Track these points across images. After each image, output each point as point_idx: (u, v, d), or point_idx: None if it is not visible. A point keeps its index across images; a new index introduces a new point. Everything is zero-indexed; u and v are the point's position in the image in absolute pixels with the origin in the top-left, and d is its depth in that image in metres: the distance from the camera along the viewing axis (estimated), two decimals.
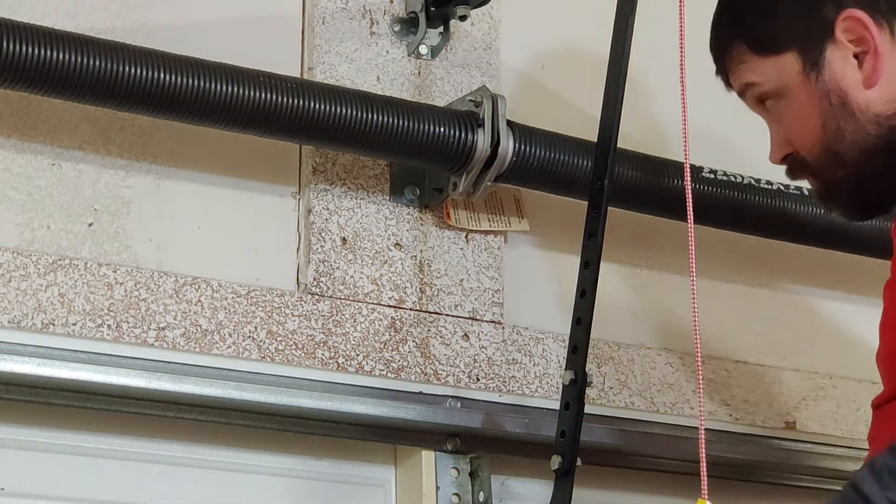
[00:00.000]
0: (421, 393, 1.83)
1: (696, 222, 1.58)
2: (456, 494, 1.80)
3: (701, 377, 1.56)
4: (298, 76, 1.89)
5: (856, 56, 1.54)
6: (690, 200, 1.60)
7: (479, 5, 1.93)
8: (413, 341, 1.85)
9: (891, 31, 1.54)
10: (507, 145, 1.82)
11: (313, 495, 1.81)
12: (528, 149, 1.84)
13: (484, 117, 1.81)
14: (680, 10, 1.64)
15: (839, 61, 1.54)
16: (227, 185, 1.84)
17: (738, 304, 2.15)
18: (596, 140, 1.79)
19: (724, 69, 1.62)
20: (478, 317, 1.91)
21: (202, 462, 1.75)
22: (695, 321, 1.55)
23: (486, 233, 1.95)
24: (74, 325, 1.67)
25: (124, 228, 1.77)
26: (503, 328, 1.92)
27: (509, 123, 1.83)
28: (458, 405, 1.83)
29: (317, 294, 1.82)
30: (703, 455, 1.48)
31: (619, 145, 1.78)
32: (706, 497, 1.45)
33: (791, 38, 1.56)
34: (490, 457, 1.84)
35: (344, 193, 1.88)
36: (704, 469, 1.47)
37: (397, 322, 1.85)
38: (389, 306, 1.85)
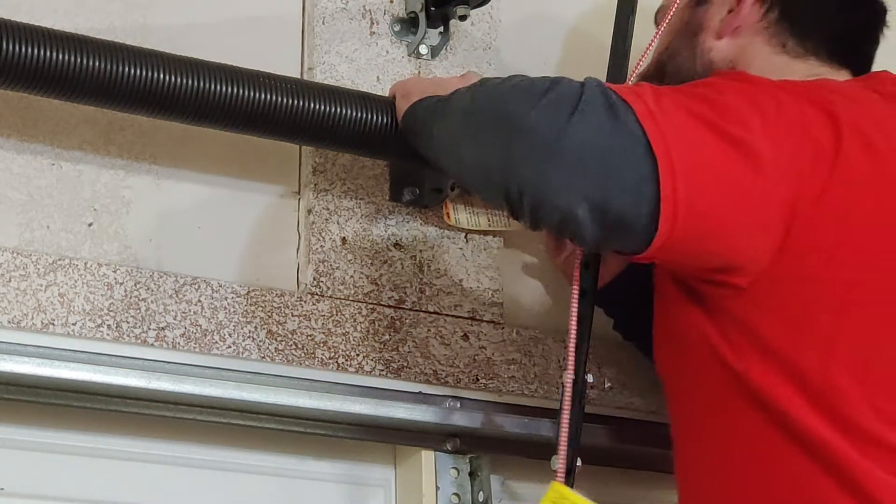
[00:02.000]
0: (421, 393, 1.83)
1: None
2: (456, 494, 1.80)
3: None
4: (298, 76, 1.89)
5: (730, 10, 1.69)
6: None
7: (479, 5, 1.93)
8: (413, 341, 1.85)
9: (766, 11, 1.67)
10: None
11: (313, 495, 1.81)
12: None
13: None
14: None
15: (718, 6, 1.70)
16: (227, 185, 1.84)
17: None
18: None
19: None
20: (477, 317, 1.91)
21: (202, 462, 1.75)
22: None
23: (486, 233, 1.95)
24: (74, 325, 1.67)
25: (124, 228, 1.77)
26: (503, 328, 1.92)
27: None
28: (458, 405, 1.83)
29: (317, 294, 1.82)
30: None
31: None
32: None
33: None
34: (490, 457, 1.84)
35: (344, 193, 1.88)
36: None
37: (397, 322, 1.85)
38: (389, 306, 1.85)
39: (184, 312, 1.73)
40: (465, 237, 1.94)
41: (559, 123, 1.37)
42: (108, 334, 1.68)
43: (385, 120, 1.75)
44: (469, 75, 1.75)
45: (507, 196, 1.44)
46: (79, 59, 1.58)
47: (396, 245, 1.89)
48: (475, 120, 1.49)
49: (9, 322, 1.64)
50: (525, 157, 1.39)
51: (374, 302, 1.85)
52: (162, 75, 1.62)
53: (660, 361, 1.64)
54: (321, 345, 1.79)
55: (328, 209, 1.86)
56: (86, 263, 1.70)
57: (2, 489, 1.65)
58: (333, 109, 1.72)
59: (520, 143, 1.40)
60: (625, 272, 1.83)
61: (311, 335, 1.79)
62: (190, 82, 1.64)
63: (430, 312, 1.88)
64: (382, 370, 1.82)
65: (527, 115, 1.39)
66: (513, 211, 1.46)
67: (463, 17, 1.94)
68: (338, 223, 1.87)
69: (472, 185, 1.61)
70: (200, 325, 1.74)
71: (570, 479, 1.64)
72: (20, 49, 1.55)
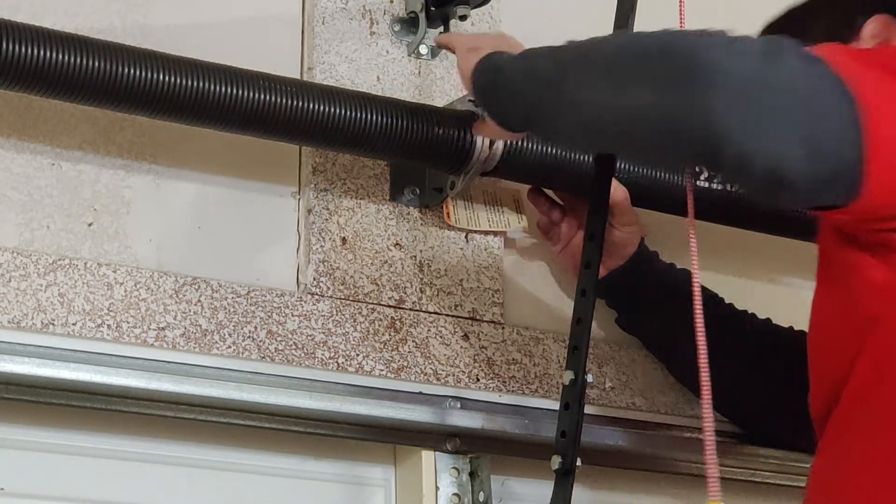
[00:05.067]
0: (421, 393, 1.83)
1: (698, 218, 1.58)
2: (456, 495, 1.80)
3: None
4: (298, 76, 1.89)
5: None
6: (691, 198, 1.59)
7: (479, 5, 1.94)
8: (413, 341, 1.85)
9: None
10: (498, 145, 1.82)
11: (313, 495, 1.81)
12: (526, 145, 1.84)
13: (483, 117, 1.81)
14: (680, 10, 1.65)
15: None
16: (227, 185, 1.84)
17: (742, 300, 2.14)
18: None
19: None
20: (478, 317, 1.91)
21: (202, 462, 1.75)
22: (697, 320, 1.54)
23: (486, 233, 1.95)
24: (74, 325, 1.67)
25: (124, 228, 1.77)
26: (503, 328, 1.92)
27: None
28: (458, 405, 1.83)
29: (317, 294, 1.82)
30: (712, 456, 1.43)
31: None
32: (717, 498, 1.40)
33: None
34: (490, 457, 1.84)
35: (344, 193, 1.88)
36: (716, 471, 1.42)
37: (397, 322, 1.85)
38: (389, 306, 1.85)
39: (184, 312, 1.73)
40: (465, 237, 1.94)
41: (760, 67, 1.33)
42: (108, 334, 1.68)
43: (385, 120, 1.75)
44: (504, 36, 1.71)
45: (699, 148, 1.37)
46: (79, 59, 1.58)
47: (396, 245, 1.89)
48: (654, 67, 1.40)
49: (9, 322, 1.64)
50: (729, 104, 1.32)
51: (374, 302, 1.85)
52: (162, 75, 1.62)
53: (833, 353, 1.51)
54: (321, 345, 1.79)
55: (328, 209, 1.87)
56: (86, 263, 1.70)
57: (2, 489, 1.65)
58: (333, 109, 1.72)
59: (721, 90, 1.33)
60: (627, 263, 1.82)
61: (311, 335, 1.79)
62: (190, 82, 1.64)
63: (431, 312, 1.88)
64: (382, 370, 1.82)
65: (724, 60, 1.33)
66: (704, 162, 1.40)
67: (463, 17, 1.94)
68: (338, 223, 1.87)
69: (640, 138, 1.47)
70: (200, 325, 1.74)
71: (570, 480, 1.65)
72: (20, 49, 1.55)
